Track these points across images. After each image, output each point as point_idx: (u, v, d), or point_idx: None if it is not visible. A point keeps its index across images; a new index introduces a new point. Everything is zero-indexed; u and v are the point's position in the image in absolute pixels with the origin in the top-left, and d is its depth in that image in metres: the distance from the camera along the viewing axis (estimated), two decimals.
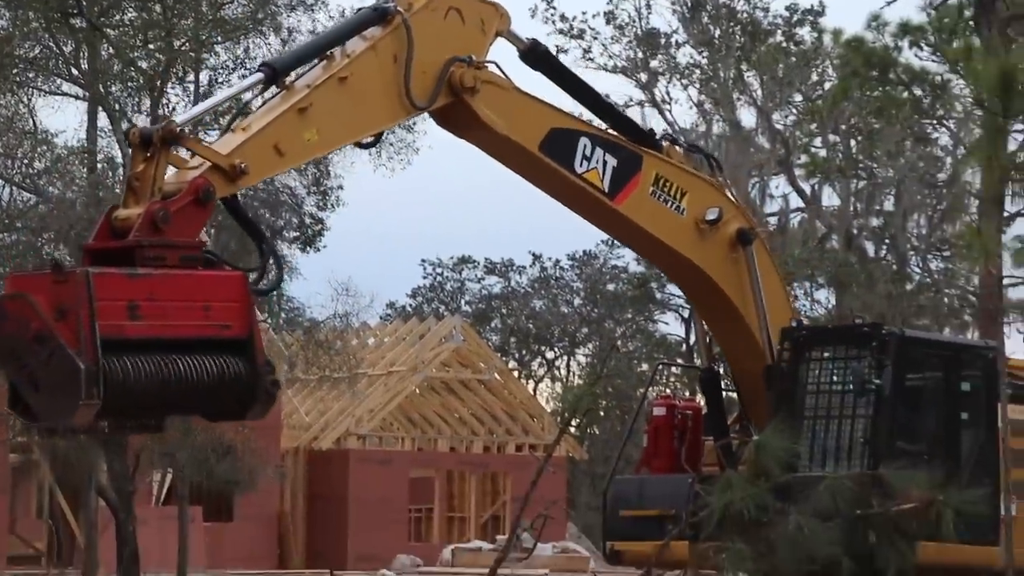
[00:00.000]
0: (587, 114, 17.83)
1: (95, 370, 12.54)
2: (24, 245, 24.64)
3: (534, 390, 64.63)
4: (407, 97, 15.25)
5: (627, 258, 61.36)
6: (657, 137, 17.57)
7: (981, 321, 34.62)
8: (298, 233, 30.65)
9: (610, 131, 17.21)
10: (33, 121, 25.49)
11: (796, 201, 45.81)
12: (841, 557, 14.29)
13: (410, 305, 67.63)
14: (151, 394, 12.98)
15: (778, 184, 44.02)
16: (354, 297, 33.76)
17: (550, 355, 70.95)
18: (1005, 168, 18.69)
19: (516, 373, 62.44)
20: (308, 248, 31.29)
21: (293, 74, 14.72)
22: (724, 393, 18.90)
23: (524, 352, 70.11)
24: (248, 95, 14.92)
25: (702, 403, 18.98)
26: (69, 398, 12.56)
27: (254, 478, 29.30)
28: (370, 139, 15.94)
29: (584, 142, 16.54)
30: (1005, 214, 29.87)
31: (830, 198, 44.96)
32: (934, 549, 16.91)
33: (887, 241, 44.83)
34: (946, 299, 45.57)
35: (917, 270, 46.02)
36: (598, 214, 17.37)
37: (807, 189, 44.85)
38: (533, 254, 68.51)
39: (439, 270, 69.11)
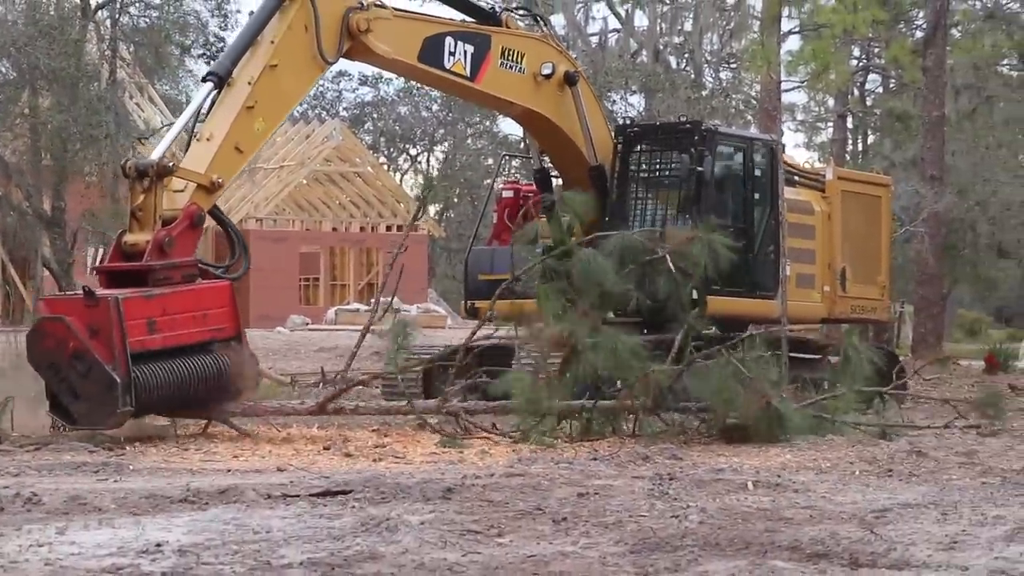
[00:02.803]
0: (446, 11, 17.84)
1: (128, 381, 12.63)
2: None
3: (400, 181, 64.39)
4: (321, 57, 15.13)
5: None
6: (497, 13, 17.61)
7: (761, 119, 34.80)
8: (203, 51, 30.06)
9: (464, 20, 17.23)
10: None
11: (613, 23, 45.72)
12: (633, 293, 14.80)
13: (297, 111, 66.83)
14: (170, 393, 13.07)
15: (599, 9, 44.01)
16: None
17: (413, 152, 70.70)
18: None
19: (385, 167, 62.15)
20: (212, 63, 30.76)
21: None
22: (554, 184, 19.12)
23: (392, 149, 69.76)
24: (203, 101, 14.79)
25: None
26: (107, 406, 12.64)
27: None
28: None
29: (448, 40, 16.63)
30: (781, 32, 29.90)
31: (641, 20, 44.93)
32: (722, 302, 17.21)
33: (687, 55, 44.88)
34: (733, 102, 45.83)
35: (710, 79, 46.17)
36: (464, 94, 18.09)
37: (622, 13, 44.71)
38: None
39: (321, 82, 68.35)
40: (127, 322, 12.76)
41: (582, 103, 17.76)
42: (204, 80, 14.82)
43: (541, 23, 19.02)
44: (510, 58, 17.19)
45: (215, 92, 14.57)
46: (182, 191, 13.95)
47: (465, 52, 16.73)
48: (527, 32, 18.20)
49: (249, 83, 14.52)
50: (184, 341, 13.30)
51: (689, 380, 14.34)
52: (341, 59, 15.83)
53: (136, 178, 13.68)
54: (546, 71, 17.45)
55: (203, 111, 14.87)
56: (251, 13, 15.41)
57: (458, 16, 17.48)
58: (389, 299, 18.14)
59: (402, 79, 66.50)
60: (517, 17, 18.35)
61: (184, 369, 13.17)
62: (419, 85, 67.17)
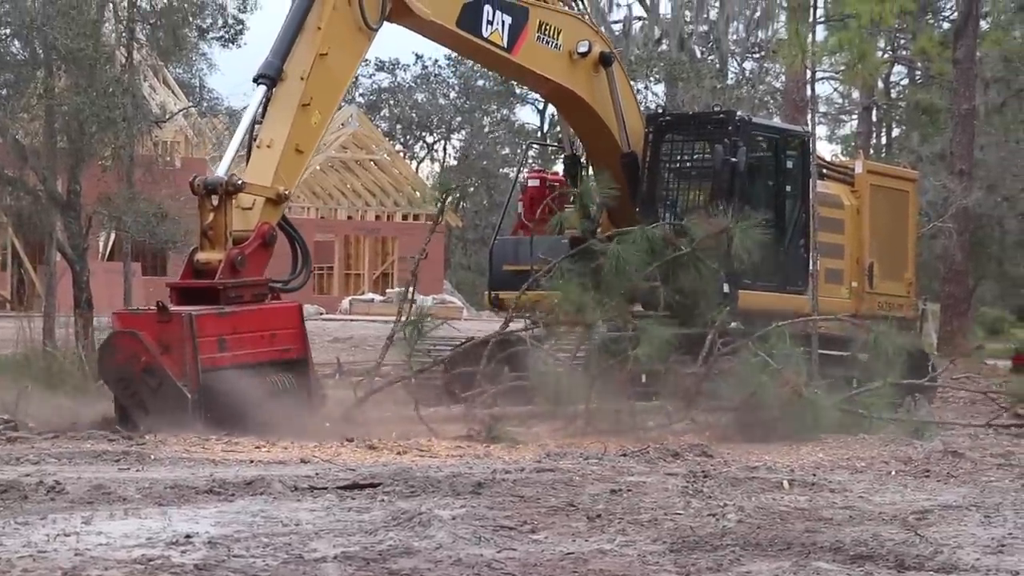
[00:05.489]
0: None
1: (199, 398, 12.69)
2: None
3: (416, 168, 64.38)
4: (366, 25, 15.12)
5: None
6: None
7: (786, 110, 34.67)
8: (221, 32, 29.99)
9: None
10: None
11: (638, 10, 45.60)
12: (656, 289, 15.11)
13: None
14: (238, 410, 13.03)
15: None
16: None
17: (430, 139, 70.63)
18: None
19: (402, 154, 62.12)
20: (230, 45, 30.66)
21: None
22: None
23: (408, 137, 69.70)
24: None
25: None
26: (177, 422, 12.62)
27: (188, 239, 28.90)
28: None
29: (487, 9, 16.58)
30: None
31: (665, 7, 44.86)
32: (754, 297, 17.14)
33: (712, 44, 44.77)
34: (758, 93, 45.73)
35: (735, 69, 46.10)
36: (500, 66, 17.98)
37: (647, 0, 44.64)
38: (416, 54, 68.16)
39: None
40: (199, 339, 12.80)
41: (616, 85, 17.67)
42: (256, 83, 14.69)
43: (578, 2, 18.87)
44: (547, 33, 17.13)
45: (270, 91, 14.53)
46: (250, 208, 13.99)
47: (503, 22, 16.67)
48: (565, 9, 18.07)
49: (302, 78, 14.46)
50: (252, 360, 13.33)
51: (718, 377, 14.33)
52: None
53: (205, 195, 13.71)
54: (582, 49, 17.37)
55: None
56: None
57: None
58: (405, 289, 18.15)
59: (418, 65, 66.64)
60: None
61: (254, 388, 13.15)
62: (436, 72, 67.34)
